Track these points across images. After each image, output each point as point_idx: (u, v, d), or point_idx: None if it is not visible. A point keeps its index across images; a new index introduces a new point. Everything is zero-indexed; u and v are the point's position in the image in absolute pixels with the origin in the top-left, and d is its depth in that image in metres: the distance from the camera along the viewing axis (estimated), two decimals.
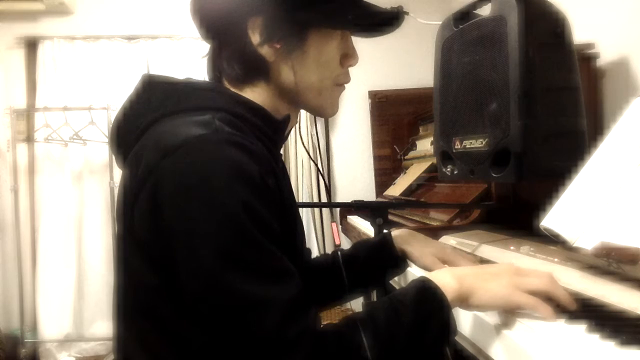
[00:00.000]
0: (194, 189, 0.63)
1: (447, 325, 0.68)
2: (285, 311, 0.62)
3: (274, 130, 0.81)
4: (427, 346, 0.68)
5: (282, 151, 2.83)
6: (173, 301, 0.67)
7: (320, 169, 3.23)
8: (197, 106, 0.74)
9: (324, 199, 3.24)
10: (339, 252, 1.06)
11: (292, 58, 0.78)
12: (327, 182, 3.28)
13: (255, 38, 0.77)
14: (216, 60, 0.82)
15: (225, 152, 0.65)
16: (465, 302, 0.71)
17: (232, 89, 0.81)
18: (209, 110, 0.73)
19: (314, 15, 0.77)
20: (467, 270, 0.76)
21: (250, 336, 0.62)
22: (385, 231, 1.16)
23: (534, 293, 0.70)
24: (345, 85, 0.86)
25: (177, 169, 0.65)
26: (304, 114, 3.18)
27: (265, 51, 0.77)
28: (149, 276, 0.68)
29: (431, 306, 0.68)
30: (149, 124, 0.74)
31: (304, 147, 3.09)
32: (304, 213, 3.21)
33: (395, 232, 1.06)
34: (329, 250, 3.27)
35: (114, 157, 0.84)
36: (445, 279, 0.71)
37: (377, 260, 1.02)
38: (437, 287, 0.69)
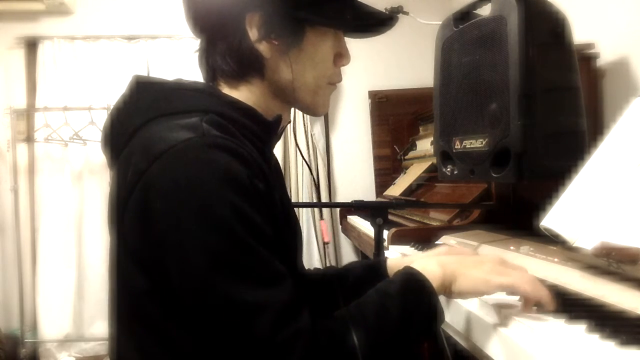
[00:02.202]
0: (183, 195, 0.63)
1: (434, 313, 0.71)
2: (277, 314, 0.62)
3: (264, 131, 0.80)
4: (415, 334, 0.71)
5: (282, 152, 2.83)
6: (164, 305, 0.67)
7: (321, 172, 3.22)
8: (185, 108, 0.73)
9: (324, 199, 3.24)
10: (328, 270, 1.05)
11: (289, 55, 0.78)
12: (318, 182, 3.27)
13: (253, 34, 0.76)
14: (210, 56, 0.81)
15: (213, 156, 0.65)
16: (448, 288, 0.74)
17: (226, 87, 0.81)
18: (197, 112, 0.72)
19: (314, 14, 0.77)
20: (451, 257, 0.79)
21: (244, 340, 0.62)
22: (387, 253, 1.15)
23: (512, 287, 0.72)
24: (337, 84, 0.87)
25: (166, 175, 0.64)
26: (302, 117, 3.18)
27: (263, 47, 0.77)
28: (139, 280, 0.67)
29: (417, 296, 0.71)
30: (138, 127, 0.73)
31: (300, 153, 3.08)
32: (304, 213, 3.21)
33: (391, 258, 1.06)
34: (330, 250, 3.27)
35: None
36: (430, 266, 0.74)
37: (368, 282, 1.01)
38: (421, 274, 0.72)
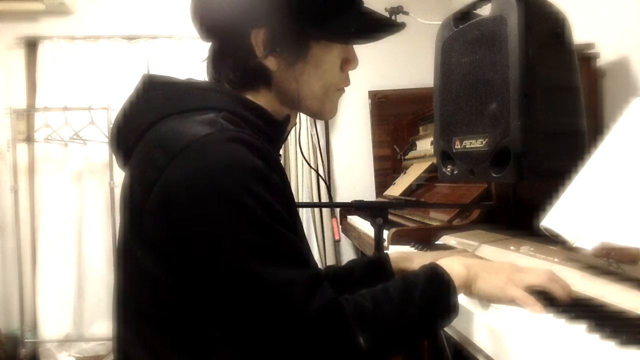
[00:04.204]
0: (207, 189, 0.64)
1: (452, 307, 0.75)
2: (307, 287, 0.66)
3: (273, 130, 0.82)
4: (432, 324, 0.75)
5: (282, 152, 2.80)
6: (186, 298, 0.67)
7: (321, 172, 3.22)
8: (198, 106, 0.75)
9: (324, 199, 3.24)
10: (329, 269, 1.08)
11: (295, 68, 0.79)
12: (327, 184, 3.28)
13: (259, 50, 0.77)
14: (217, 64, 0.82)
15: (233, 149, 0.66)
16: (468, 289, 0.79)
17: (234, 91, 0.81)
18: (210, 110, 0.73)
19: (319, 29, 0.78)
20: (474, 260, 0.84)
21: (279, 316, 0.64)
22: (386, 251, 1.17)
23: (530, 288, 0.77)
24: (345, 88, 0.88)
25: (188, 170, 0.65)
26: (304, 117, 3.17)
27: (269, 61, 0.78)
28: (159, 276, 0.68)
29: (440, 291, 0.75)
30: (150, 124, 0.74)
31: (303, 156, 3.08)
32: (304, 213, 3.21)
33: (392, 253, 1.07)
34: (329, 250, 3.27)
35: (114, 157, 0.84)
36: (454, 266, 0.79)
37: (372, 278, 1.02)
38: (446, 272, 0.77)
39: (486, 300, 0.80)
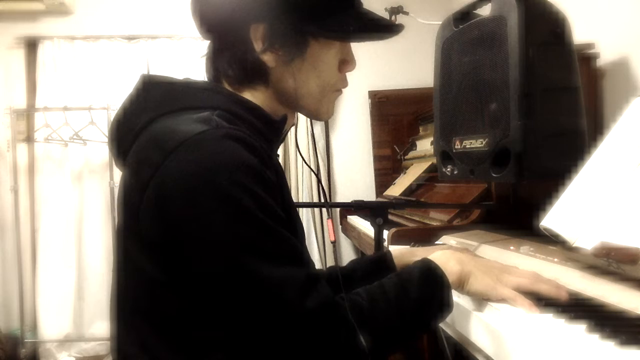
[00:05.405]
0: (201, 185, 0.64)
1: (446, 304, 0.76)
2: (303, 285, 0.66)
3: (270, 130, 0.82)
4: (428, 320, 0.76)
5: (282, 152, 2.81)
6: (181, 297, 0.68)
7: (321, 172, 3.22)
8: (195, 105, 0.75)
9: (324, 199, 3.24)
10: (333, 270, 1.09)
11: (292, 65, 0.79)
12: (325, 193, 3.28)
13: (257, 44, 0.78)
14: (216, 60, 0.83)
15: (227, 146, 0.66)
16: (461, 286, 0.80)
17: (231, 90, 0.82)
18: (206, 109, 0.74)
19: (317, 27, 0.78)
20: (467, 256, 0.85)
21: (275, 314, 0.65)
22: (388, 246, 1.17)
23: (518, 290, 0.78)
24: (343, 89, 0.88)
25: (182, 167, 0.66)
26: (303, 117, 3.17)
27: (267, 57, 0.78)
28: (156, 275, 0.68)
29: (434, 287, 0.76)
30: (147, 123, 0.74)
31: (303, 159, 3.08)
32: (304, 213, 3.21)
33: (395, 250, 1.08)
34: (329, 249, 3.27)
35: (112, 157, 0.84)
36: (449, 262, 0.80)
37: (376, 276, 1.03)
38: (439, 268, 0.78)
39: (477, 297, 0.81)
